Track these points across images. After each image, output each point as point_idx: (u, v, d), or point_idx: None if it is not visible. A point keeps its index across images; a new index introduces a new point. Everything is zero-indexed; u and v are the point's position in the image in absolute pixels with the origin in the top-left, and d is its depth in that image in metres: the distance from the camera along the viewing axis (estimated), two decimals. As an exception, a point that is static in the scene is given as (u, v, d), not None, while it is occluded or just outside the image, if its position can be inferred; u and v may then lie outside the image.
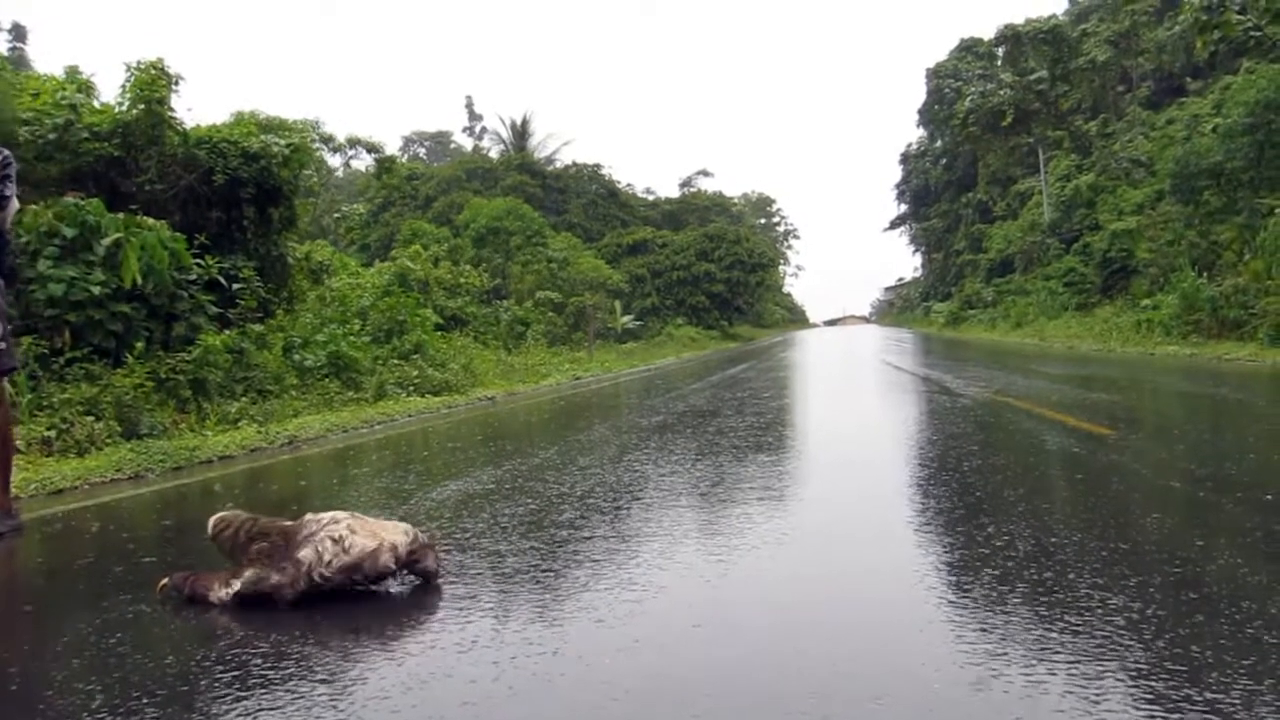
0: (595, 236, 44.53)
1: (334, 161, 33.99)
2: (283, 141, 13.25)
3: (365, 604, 3.16)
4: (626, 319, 35.41)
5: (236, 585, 3.14)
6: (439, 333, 17.83)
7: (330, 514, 3.26)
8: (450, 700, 2.31)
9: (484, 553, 3.78)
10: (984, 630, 2.71)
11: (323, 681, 2.46)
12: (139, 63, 12.50)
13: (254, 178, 12.85)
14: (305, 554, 3.10)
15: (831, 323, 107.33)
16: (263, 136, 13.27)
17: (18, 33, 62.07)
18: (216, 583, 3.19)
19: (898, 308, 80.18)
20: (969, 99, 43.16)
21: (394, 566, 3.19)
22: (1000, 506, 4.40)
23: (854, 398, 12.19)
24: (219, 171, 12.49)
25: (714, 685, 2.39)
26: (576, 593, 3.19)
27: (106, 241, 9.70)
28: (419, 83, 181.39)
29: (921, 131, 63.57)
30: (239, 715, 2.26)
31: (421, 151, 76.95)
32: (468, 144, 75.37)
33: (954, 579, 3.27)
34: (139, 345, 9.44)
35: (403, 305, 16.29)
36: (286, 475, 6.58)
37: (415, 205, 44.23)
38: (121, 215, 10.27)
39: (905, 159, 66.38)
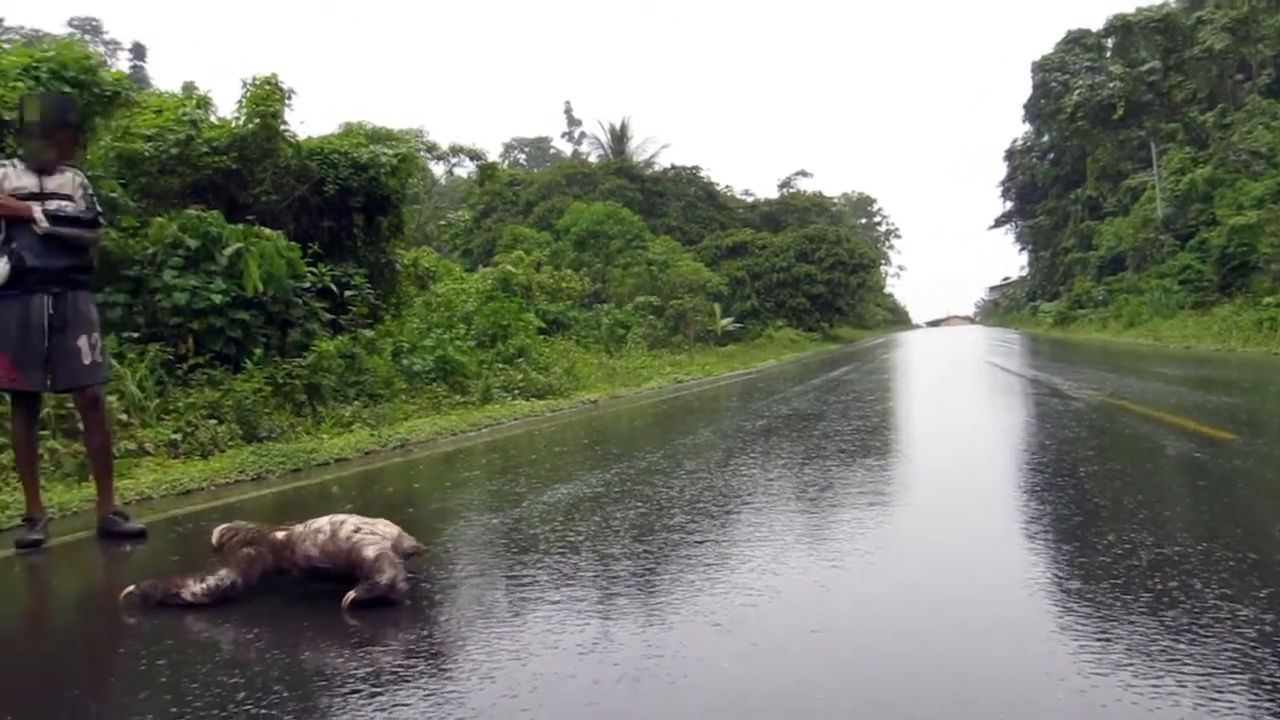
0: (694, 239, 44.55)
1: (437, 169, 34.61)
2: (390, 152, 13.57)
3: (481, 605, 3.25)
4: (726, 321, 35.34)
5: (210, 582, 3.38)
6: (541, 336, 18.08)
7: (325, 520, 3.49)
8: (576, 700, 2.36)
9: (598, 556, 3.84)
10: (1107, 641, 2.67)
11: (451, 679, 2.54)
12: (254, 78, 12.94)
13: (363, 187, 13.18)
14: (373, 555, 3.32)
15: (934, 324, 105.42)
16: (371, 147, 13.61)
17: (138, 51, 64.88)
18: (192, 580, 3.41)
19: (1003, 308, 78.39)
20: (1077, 92, 42.10)
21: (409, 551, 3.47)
22: (1119, 513, 4.30)
23: (961, 401, 11.98)
24: (330, 182, 12.85)
25: (833, 691, 2.40)
26: (692, 596, 3.22)
27: (228, 251, 10.07)
28: (519, 89, 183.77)
29: (1027, 127, 62.09)
30: (375, 710, 2.35)
31: (521, 157, 77.97)
32: (567, 149, 76.11)
33: (1074, 587, 3.22)
34: (258, 351, 9.79)
35: (506, 310, 16.56)
36: (399, 477, 6.76)
37: (516, 211, 44.80)
38: (241, 226, 10.66)
39: (1010, 155, 64.88)
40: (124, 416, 7.96)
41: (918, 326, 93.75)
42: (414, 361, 12.58)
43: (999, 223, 68.63)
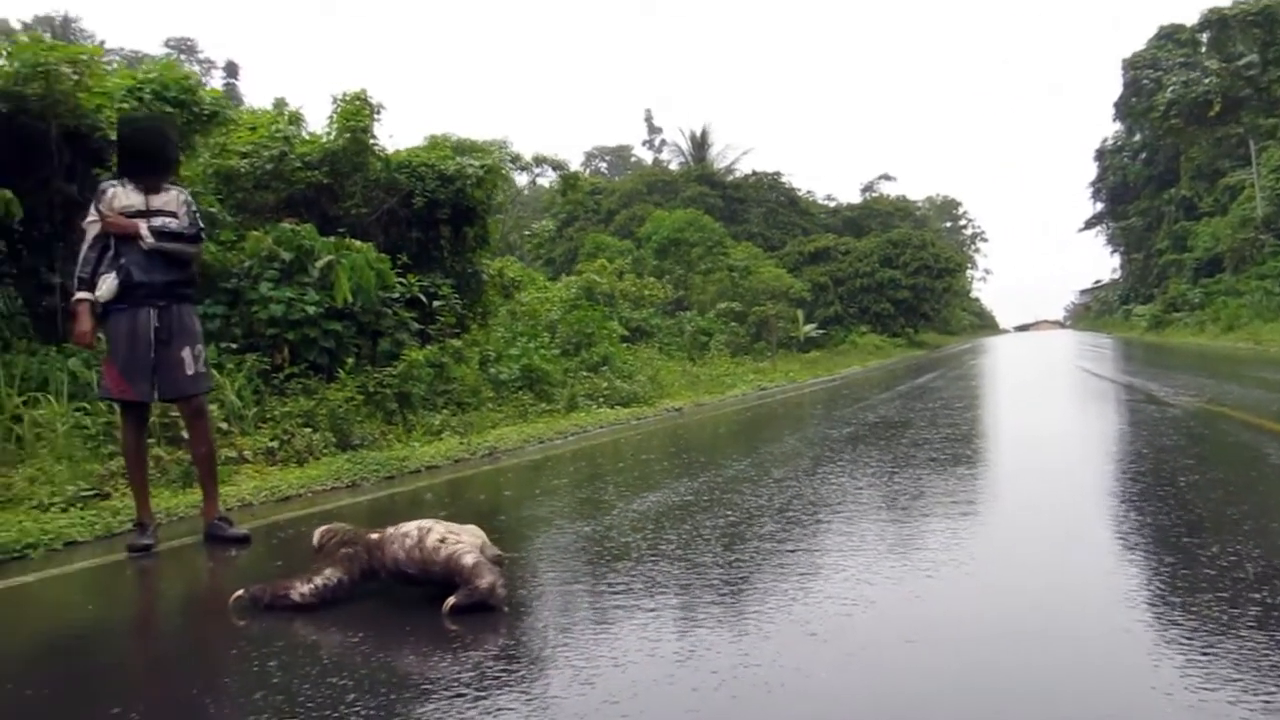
0: (776, 245, 44.37)
1: (520, 179, 34.99)
2: (476, 164, 13.78)
3: (576, 612, 3.29)
4: (809, 328, 35.12)
5: (317, 582, 3.50)
6: (624, 344, 18.19)
7: (413, 525, 3.58)
8: (676, 707, 2.39)
9: (689, 564, 3.86)
10: (1215, 655, 2.61)
11: (552, 685, 2.58)
12: (344, 94, 13.27)
13: (449, 199, 13.41)
14: (470, 562, 3.38)
15: (1023, 328, 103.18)
16: (457, 159, 13.84)
17: (231, 70, 66.78)
18: (299, 581, 3.53)
19: (1095, 311, 76.45)
20: (1170, 89, 40.91)
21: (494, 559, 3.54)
22: (1223, 524, 4.19)
23: (1053, 408, 11.74)
24: (418, 194, 13.10)
25: (933, 702, 2.39)
26: (786, 605, 3.23)
27: (320, 264, 10.33)
28: (600, 98, 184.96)
29: (1118, 126, 60.54)
30: (479, 714, 2.40)
31: (603, 166, 78.47)
32: (648, 157, 76.46)
33: (1177, 600, 3.15)
34: (349, 361, 10.02)
35: (590, 318, 16.69)
36: (489, 485, 6.88)
37: (598, 219, 45.09)
38: (332, 239, 10.92)
39: (1100, 155, 63.32)
40: (224, 425, 8.21)
41: (1005, 331, 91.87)
42: (500, 370, 12.77)
43: (1089, 224, 67.04)
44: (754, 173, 51.29)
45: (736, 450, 8.30)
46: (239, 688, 2.78)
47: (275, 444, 8.44)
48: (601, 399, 13.26)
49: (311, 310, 9.97)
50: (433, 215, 13.41)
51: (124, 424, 5.06)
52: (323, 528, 3.75)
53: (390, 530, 3.59)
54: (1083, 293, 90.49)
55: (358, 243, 11.15)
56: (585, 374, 14.56)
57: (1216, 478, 5.44)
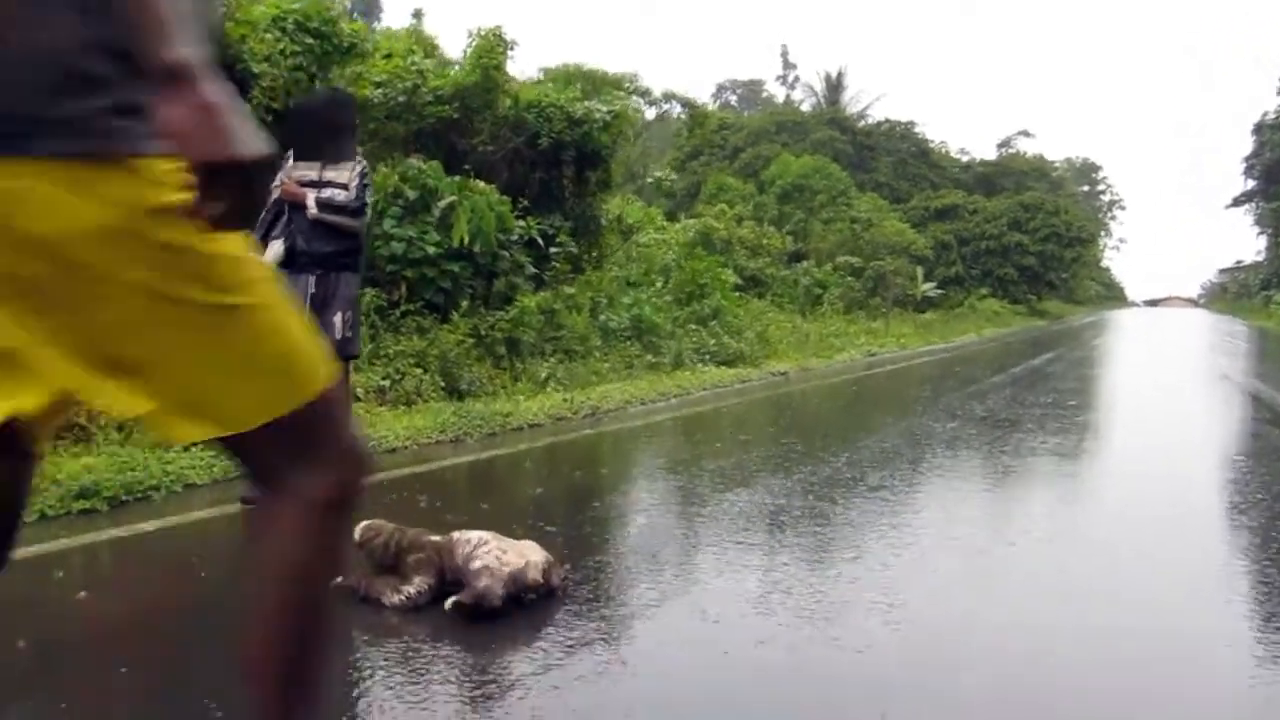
0: (902, 197, 43.35)
1: (649, 113, 34.83)
2: (605, 108, 13.76)
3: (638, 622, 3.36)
4: (927, 287, 34.35)
5: (409, 590, 3.56)
6: (736, 294, 18.04)
7: (478, 534, 3.63)
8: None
9: (771, 583, 3.87)
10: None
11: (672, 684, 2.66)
12: (479, 29, 13.33)
13: (575, 141, 13.43)
14: (482, 577, 3.47)
15: (1152, 303, 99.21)
16: (585, 102, 13.84)
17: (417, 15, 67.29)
18: (389, 589, 3.59)
19: (1232, 293, 73.02)
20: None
21: (541, 580, 3.61)
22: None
23: (1184, 422, 11.24)
24: (544, 135, 13.15)
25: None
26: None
27: (442, 204, 10.49)
28: (735, 30, 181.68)
29: (1281, 100, 57.15)
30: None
31: (733, 99, 77.38)
32: (780, 93, 74.97)
33: None
34: (464, 303, 10.21)
35: (706, 270, 16.62)
36: (587, 457, 7.01)
37: (723, 155, 44.59)
38: (456, 179, 11.07)
39: (1259, 129, 59.76)
40: (339, 360, 8.49)
41: (1134, 304, 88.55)
42: (610, 318, 12.85)
43: (1238, 202, 63.62)
44: (886, 120, 50.02)
45: (835, 439, 8.16)
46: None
47: (386, 383, 8.70)
48: (708, 355, 13.26)
49: (431, 250, 10.15)
50: (557, 156, 13.47)
51: None
52: (364, 524, 3.78)
53: (456, 535, 3.68)
54: (1221, 272, 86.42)
55: (480, 184, 11.27)
56: (694, 327, 14.56)
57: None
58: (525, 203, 12.07)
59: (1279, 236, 54.34)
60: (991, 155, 60.42)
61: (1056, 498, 6.00)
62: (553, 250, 12.32)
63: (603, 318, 12.80)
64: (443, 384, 8.96)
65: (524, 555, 3.62)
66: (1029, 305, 41.41)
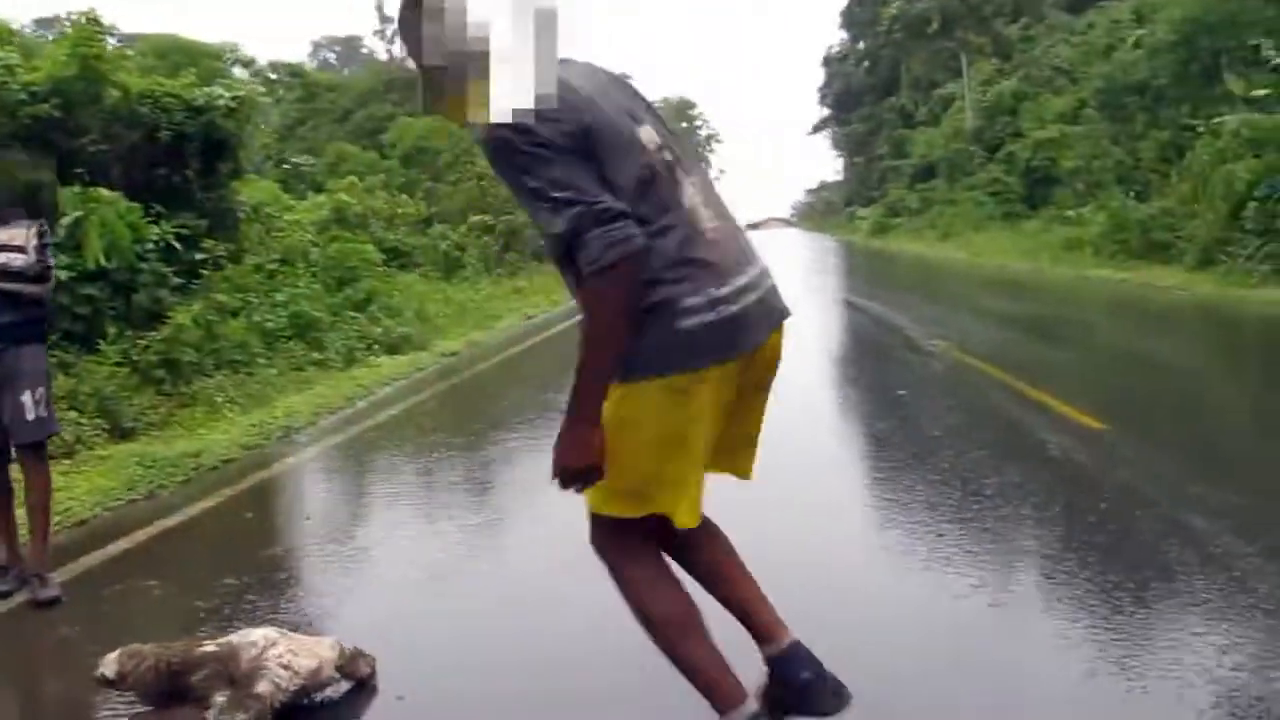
0: (520, 149, 43.75)
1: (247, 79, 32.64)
2: (228, 93, 12.79)
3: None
4: (557, 235, 35.05)
5: (238, 715, 3.09)
6: (381, 269, 17.41)
7: (260, 634, 3.28)
8: None
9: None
10: None
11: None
12: (69, 14, 11.93)
13: (199, 132, 12.40)
14: (263, 688, 3.14)
15: (753, 225, 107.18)
16: (205, 88, 12.80)
17: None
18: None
19: (820, 211, 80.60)
20: (895, 5, 43.06)
21: (336, 677, 3.37)
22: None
23: (810, 356, 12.23)
24: (163, 127, 12.03)
25: None
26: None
27: (66, 221, 9.36)
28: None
29: (844, 34, 63.26)
30: None
31: (331, 57, 74.24)
32: (380, 49, 72.86)
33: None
34: (110, 329, 9.23)
35: (354, 251, 16.02)
36: (304, 492, 6.63)
37: (333, 119, 42.85)
38: (76, 188, 9.93)
39: (828, 62, 65.98)
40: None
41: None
42: (266, 318, 12.07)
43: (817, 128, 70.16)
44: (496, 72, 50.10)
45: (522, 425, 8.18)
46: None
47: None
48: (376, 345, 12.83)
49: (62, 275, 9.03)
50: (180, 150, 12.37)
51: None
52: (117, 654, 3.22)
53: (236, 639, 3.25)
54: (809, 192, 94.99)
55: (105, 192, 10.16)
56: (352, 314, 14.01)
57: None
58: (157, 206, 11.02)
59: (854, 158, 60.35)
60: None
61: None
62: (199, 256, 11.36)
63: (256, 318, 11.99)
64: (105, 426, 8.05)
65: (315, 655, 3.30)
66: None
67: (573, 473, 2.34)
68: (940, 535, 4.62)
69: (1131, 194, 23.57)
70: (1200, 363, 10.24)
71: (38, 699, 3.90)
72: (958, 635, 3.57)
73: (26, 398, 4.53)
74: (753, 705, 2.49)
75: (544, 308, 19.23)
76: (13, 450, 4.72)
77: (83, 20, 11.87)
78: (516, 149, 2.24)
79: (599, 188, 2.24)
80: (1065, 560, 4.23)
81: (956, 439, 6.60)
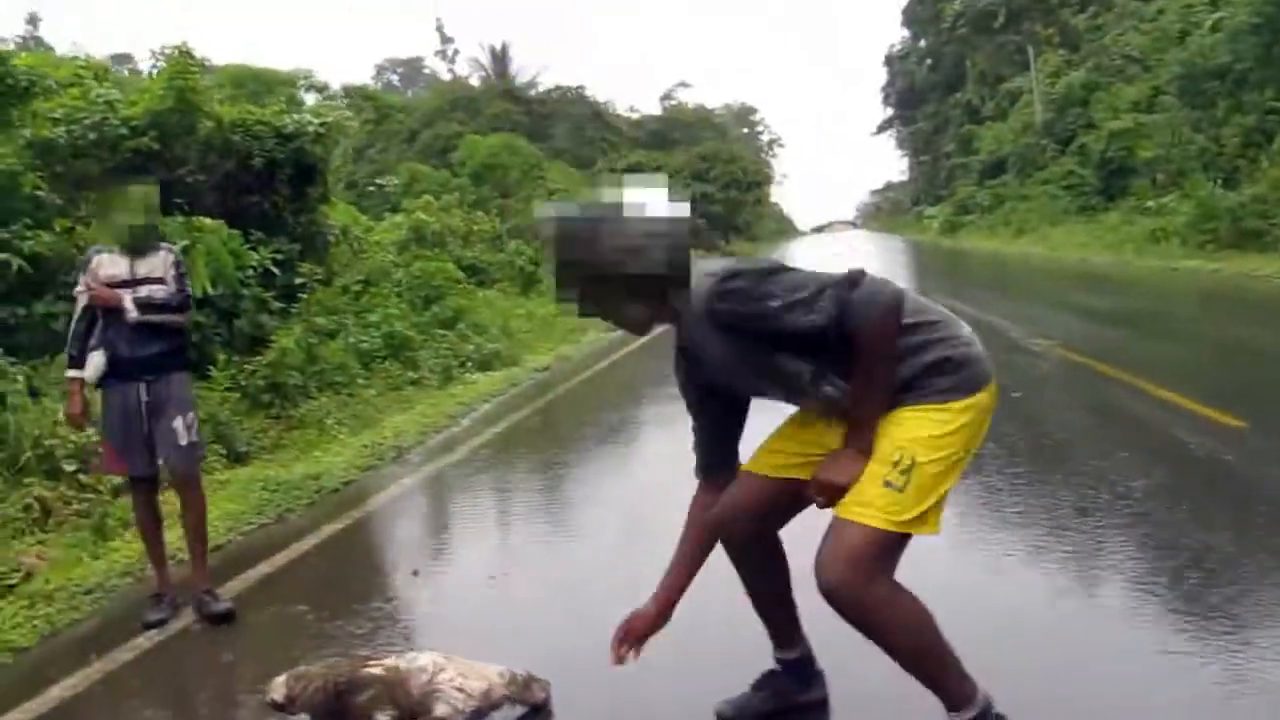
0: (585, 163, 44.03)
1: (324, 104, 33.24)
2: (316, 120, 13.01)
3: None
4: (628, 247, 35.13)
5: None
6: (461, 285, 17.51)
7: (428, 658, 3.26)
8: None
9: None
10: None
11: None
12: (163, 48, 12.21)
13: (289, 158, 12.62)
14: (442, 710, 3.14)
15: (819, 229, 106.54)
16: (294, 116, 13.03)
17: (32, 20, 59.85)
18: None
19: (886, 212, 79.90)
20: (958, 0, 42.53)
21: (509, 698, 3.33)
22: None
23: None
24: (256, 155, 12.26)
25: None
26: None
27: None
28: (385, 8, 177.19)
29: (905, 32, 62.67)
30: None
31: (395, 79, 75.36)
32: (442, 69, 73.81)
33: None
34: (220, 356, 9.39)
35: (437, 270, 16.15)
36: (428, 511, 6.66)
37: (401, 140, 43.48)
38: (179, 218, 10.13)
39: (889, 61, 65.43)
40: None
41: (804, 234, 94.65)
42: (361, 340, 12.20)
43: (881, 128, 69.57)
44: (557, 87, 50.56)
45: (630, 439, 8.16)
46: None
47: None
48: (468, 362, 12.90)
49: (172, 303, 9.22)
50: (271, 176, 12.60)
51: (133, 499, 4.89)
52: (283, 679, 3.25)
53: (401, 664, 3.23)
54: (874, 193, 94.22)
55: (208, 221, 10.37)
56: (441, 332, 14.11)
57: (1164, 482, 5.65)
58: (256, 233, 11.22)
59: (920, 156, 59.68)
60: (656, 110, 62.49)
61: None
62: (297, 280, 11.53)
63: (351, 340, 12.13)
64: (222, 451, 8.17)
65: (485, 677, 3.28)
66: (720, 250, 43.34)
67: (840, 491, 2.58)
68: (1099, 543, 4.47)
69: (1218, 182, 22.94)
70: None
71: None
72: (1156, 644, 3.43)
73: (179, 423, 4.63)
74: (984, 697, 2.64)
75: (624, 319, 19.14)
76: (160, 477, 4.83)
77: (176, 54, 12.12)
78: (745, 295, 2.54)
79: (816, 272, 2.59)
80: (1244, 565, 4.07)
81: (1088, 441, 6.43)
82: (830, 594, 2.52)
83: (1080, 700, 3.05)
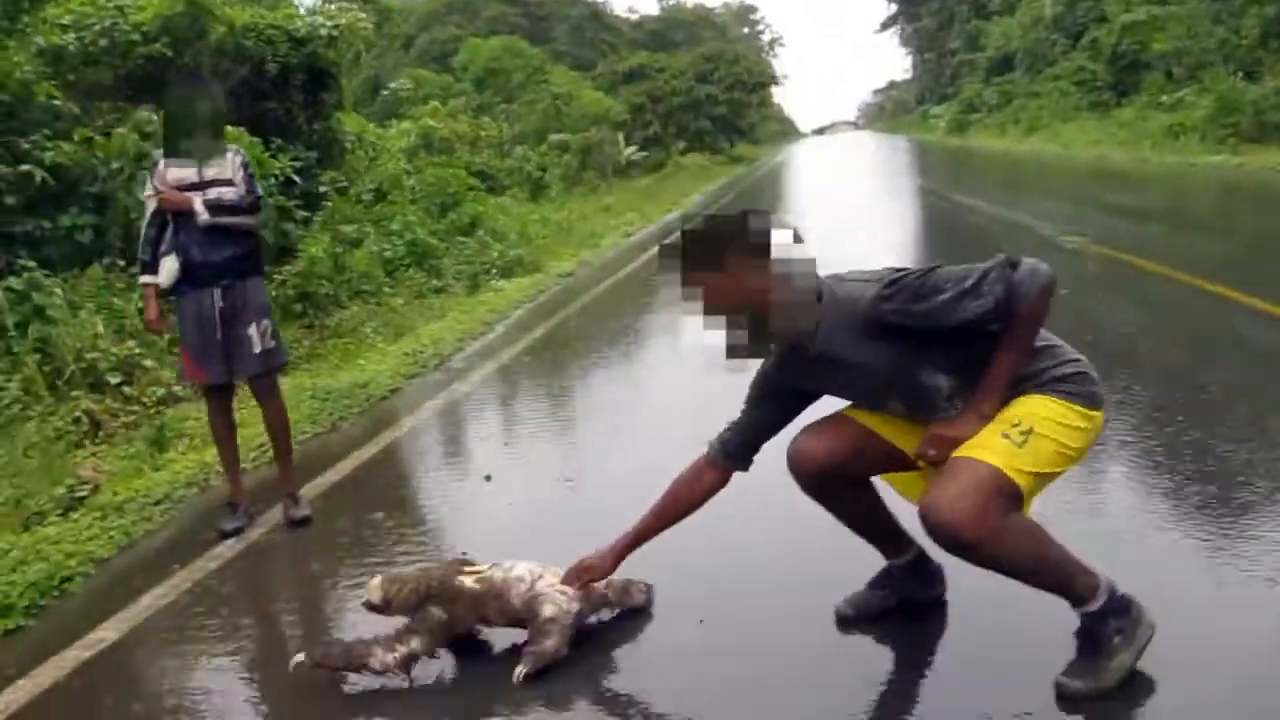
0: (586, 65, 43.21)
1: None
2: (329, 22, 12.67)
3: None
4: (629, 150, 34.66)
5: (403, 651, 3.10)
6: (475, 191, 17.27)
7: (525, 568, 3.21)
8: None
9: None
10: None
11: None
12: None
13: (303, 63, 12.34)
14: (550, 610, 3.11)
15: (820, 131, 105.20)
16: (307, 19, 12.70)
17: None
18: (379, 648, 3.11)
19: (889, 111, 78.74)
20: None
21: (608, 599, 3.34)
22: None
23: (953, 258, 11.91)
24: (270, 61, 11.97)
25: None
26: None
27: (197, 160, 9.35)
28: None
29: (910, -76, 60.94)
30: None
31: (386, -18, 73.57)
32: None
33: None
34: (249, 265, 9.25)
35: (452, 177, 15.91)
36: (484, 418, 6.62)
37: (397, 45, 42.56)
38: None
39: (894, -45, 63.99)
40: (139, 354, 7.48)
41: (806, 136, 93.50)
42: (384, 248, 12.05)
43: (884, 26, 68.14)
44: (555, -13, 49.38)
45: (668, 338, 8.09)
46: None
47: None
48: (494, 269, 12.75)
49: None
50: (286, 82, 12.33)
51: (208, 405, 4.78)
52: (381, 580, 3.23)
53: (499, 576, 3.19)
54: (876, 93, 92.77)
55: (229, 129, 10.06)
56: (461, 240, 13.95)
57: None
58: (276, 140, 11.00)
59: (924, 54, 58.60)
60: (655, 9, 61.21)
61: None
62: (319, 189, 11.34)
63: (374, 249, 11.97)
64: (262, 361, 8.09)
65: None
66: (725, 153, 42.79)
67: (954, 444, 2.61)
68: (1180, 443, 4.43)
69: (1238, 74, 22.54)
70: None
71: (301, 627, 3.89)
72: None
73: (253, 330, 4.55)
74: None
75: (638, 224, 18.98)
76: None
77: (182, -45, 11.73)
78: (914, 292, 2.58)
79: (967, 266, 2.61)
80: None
81: (1148, 337, 6.37)
82: (949, 529, 2.51)
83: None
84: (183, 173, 4.41)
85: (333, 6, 13.98)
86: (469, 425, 6.47)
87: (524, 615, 3.16)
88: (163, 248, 4.46)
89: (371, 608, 3.25)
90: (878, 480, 3.04)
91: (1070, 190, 17.93)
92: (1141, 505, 3.85)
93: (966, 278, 2.54)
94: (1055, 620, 2.68)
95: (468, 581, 3.21)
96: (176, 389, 7.41)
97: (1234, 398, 4.98)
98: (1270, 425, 4.58)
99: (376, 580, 3.26)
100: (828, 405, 3.00)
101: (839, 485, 2.99)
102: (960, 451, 2.58)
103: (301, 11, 13.83)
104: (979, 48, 49.36)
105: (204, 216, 4.35)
